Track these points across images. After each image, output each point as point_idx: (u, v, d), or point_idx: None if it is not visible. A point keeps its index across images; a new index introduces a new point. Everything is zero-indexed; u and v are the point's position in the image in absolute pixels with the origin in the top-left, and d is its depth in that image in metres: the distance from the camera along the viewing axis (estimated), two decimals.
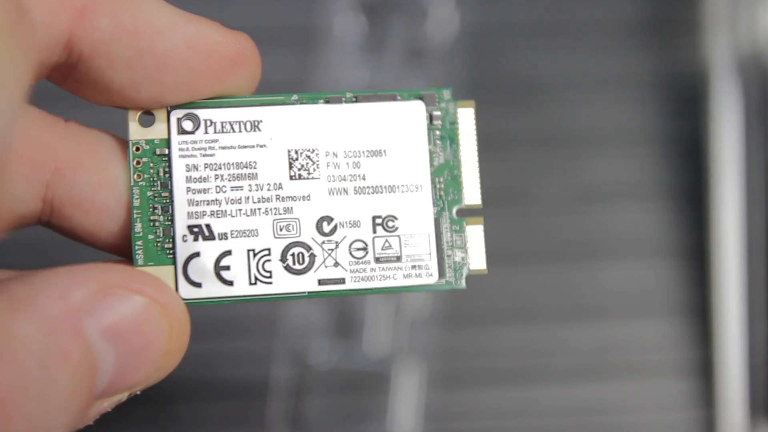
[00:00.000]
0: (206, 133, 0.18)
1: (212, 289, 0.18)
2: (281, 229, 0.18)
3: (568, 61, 0.38)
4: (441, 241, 0.19)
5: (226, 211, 0.18)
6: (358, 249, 0.18)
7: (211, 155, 0.18)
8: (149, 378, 0.17)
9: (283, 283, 0.18)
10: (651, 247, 0.36)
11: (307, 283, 0.18)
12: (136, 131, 0.18)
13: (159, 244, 0.18)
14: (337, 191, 0.19)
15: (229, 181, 0.18)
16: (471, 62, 0.37)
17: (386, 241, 0.18)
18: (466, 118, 0.20)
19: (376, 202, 0.19)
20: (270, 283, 0.18)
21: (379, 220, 0.18)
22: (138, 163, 0.18)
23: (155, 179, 0.18)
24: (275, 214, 0.18)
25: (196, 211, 0.18)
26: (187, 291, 0.18)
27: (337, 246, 0.18)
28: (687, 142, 0.37)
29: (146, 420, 0.34)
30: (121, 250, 0.18)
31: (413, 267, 0.18)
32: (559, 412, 0.35)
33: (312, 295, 0.18)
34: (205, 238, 0.18)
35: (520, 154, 0.37)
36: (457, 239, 0.19)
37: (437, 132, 0.19)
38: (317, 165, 0.19)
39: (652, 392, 0.35)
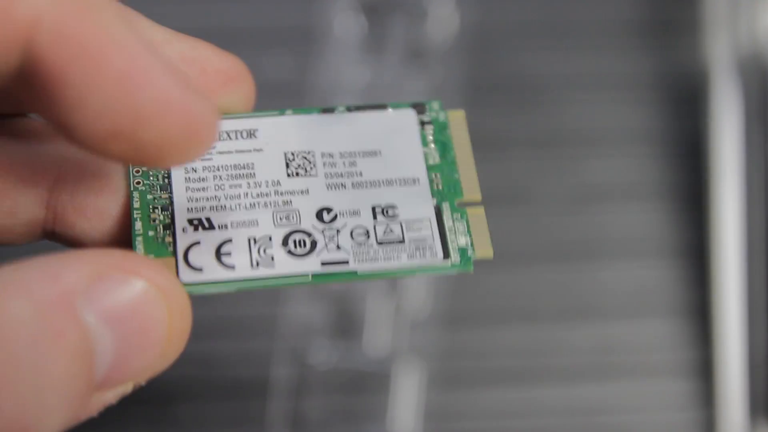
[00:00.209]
0: None
1: (213, 273, 0.17)
2: (281, 219, 0.18)
3: (568, 61, 0.38)
4: (443, 226, 0.19)
5: (225, 205, 0.18)
6: (360, 234, 0.18)
7: (209, 159, 0.19)
8: (153, 365, 0.16)
9: (286, 266, 0.18)
10: (651, 247, 0.36)
11: (310, 265, 0.18)
12: None
13: (159, 239, 0.18)
14: (334, 186, 0.19)
15: (227, 180, 0.18)
16: (471, 62, 0.37)
17: (387, 226, 0.18)
18: (458, 121, 0.20)
19: (374, 193, 0.19)
20: (272, 266, 0.18)
21: (378, 209, 0.19)
22: (138, 171, 0.18)
23: (155, 184, 0.18)
24: (274, 206, 0.18)
25: (196, 207, 0.18)
26: (187, 275, 0.17)
27: (338, 232, 0.18)
28: (687, 142, 0.37)
29: (146, 420, 0.34)
30: None
31: (417, 248, 0.18)
32: (559, 412, 0.35)
33: (316, 278, 0.18)
34: (205, 229, 0.18)
35: (520, 154, 0.37)
36: (460, 226, 0.19)
37: (430, 136, 0.20)
38: (314, 164, 0.19)
39: (652, 392, 0.35)
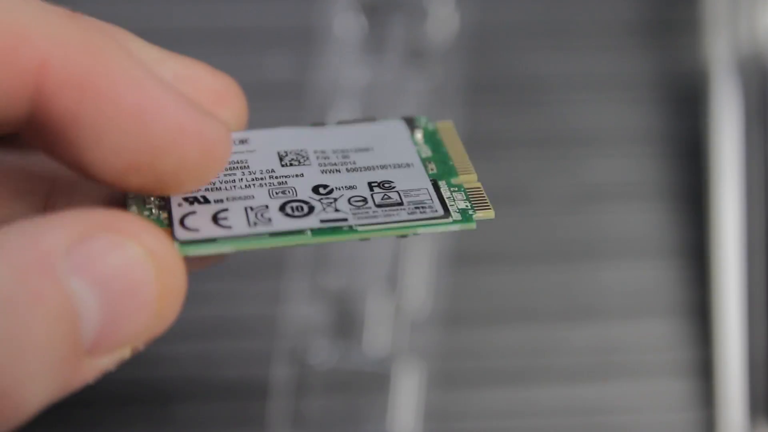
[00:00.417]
0: None
1: (209, 232, 0.17)
2: (277, 194, 0.18)
3: (568, 61, 0.38)
4: (441, 194, 0.19)
5: (220, 188, 0.18)
6: (358, 201, 0.18)
7: None
8: (147, 328, 0.16)
9: (284, 224, 0.17)
10: (651, 247, 0.36)
11: (308, 223, 0.17)
12: None
13: (154, 216, 0.18)
14: (329, 171, 0.19)
15: (221, 172, 0.18)
16: (471, 62, 0.37)
17: (385, 194, 0.18)
18: (447, 129, 0.20)
19: (369, 174, 0.19)
20: (270, 224, 0.17)
21: (375, 184, 0.19)
22: None
23: None
24: (269, 185, 0.18)
25: (191, 192, 0.18)
26: (182, 234, 0.17)
27: (335, 200, 0.18)
28: (687, 142, 0.37)
29: (145, 420, 0.34)
30: None
31: (416, 208, 0.18)
32: (559, 412, 0.35)
33: (315, 234, 0.17)
34: (201, 203, 0.18)
35: (520, 154, 0.37)
36: (458, 195, 0.19)
37: (419, 137, 0.20)
38: (307, 158, 0.19)
39: (652, 392, 0.35)
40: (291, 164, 0.19)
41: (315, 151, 0.19)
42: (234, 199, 0.18)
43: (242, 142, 0.20)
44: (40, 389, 0.14)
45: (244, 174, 0.18)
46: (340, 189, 0.18)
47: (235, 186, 0.18)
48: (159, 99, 0.15)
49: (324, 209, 0.18)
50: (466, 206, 0.19)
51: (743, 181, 0.35)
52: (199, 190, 0.18)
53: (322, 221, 0.18)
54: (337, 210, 0.18)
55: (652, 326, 0.36)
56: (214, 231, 0.17)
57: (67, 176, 0.18)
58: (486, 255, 0.36)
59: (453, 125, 0.20)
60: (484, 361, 0.35)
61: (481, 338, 0.35)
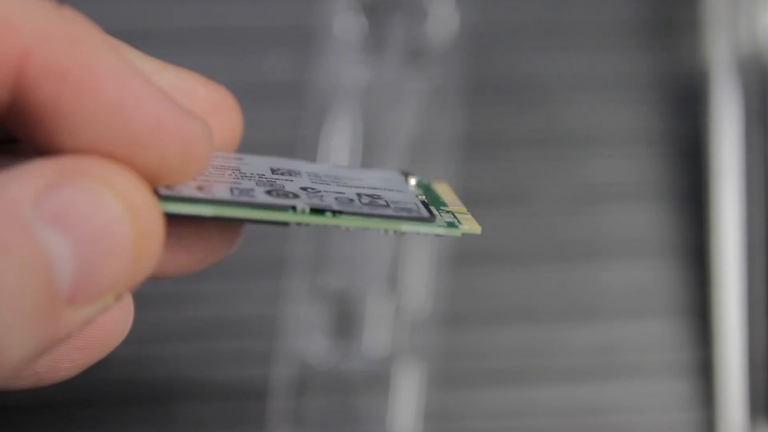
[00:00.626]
0: None
1: (191, 193, 0.17)
2: (264, 184, 0.18)
3: (568, 61, 0.38)
4: (429, 207, 0.19)
5: (209, 179, 0.18)
6: (344, 200, 0.18)
7: None
8: (128, 273, 0.15)
9: (267, 200, 0.17)
10: (651, 247, 0.36)
11: (292, 202, 0.17)
12: None
13: None
14: (320, 182, 0.19)
15: (212, 170, 0.18)
16: (471, 62, 0.37)
17: (372, 200, 0.18)
18: (442, 186, 0.20)
19: (358, 189, 0.19)
20: (252, 197, 0.17)
21: (362, 194, 0.19)
22: None
23: None
24: (258, 180, 0.18)
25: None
26: (163, 190, 0.16)
27: (322, 196, 0.18)
28: (687, 142, 0.37)
29: (145, 420, 0.34)
30: None
31: (402, 209, 0.18)
32: (559, 412, 0.35)
33: (298, 213, 0.17)
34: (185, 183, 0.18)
35: (520, 154, 0.37)
36: (446, 215, 0.19)
37: (413, 184, 0.20)
38: (299, 173, 0.19)
39: (652, 392, 0.35)
40: (282, 174, 0.19)
41: (307, 172, 0.19)
42: (221, 182, 0.18)
43: (236, 159, 0.20)
44: (19, 342, 0.14)
45: (233, 172, 0.18)
46: (328, 192, 0.18)
47: (223, 176, 0.18)
48: (139, 93, 0.15)
49: (309, 199, 0.18)
50: (453, 220, 0.19)
51: (743, 181, 0.35)
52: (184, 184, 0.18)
53: (306, 204, 0.17)
54: (322, 200, 0.18)
55: (652, 326, 0.36)
56: (195, 194, 0.17)
57: None
58: (486, 255, 0.36)
59: (447, 185, 0.20)
60: (483, 361, 0.35)
61: (481, 338, 0.35)
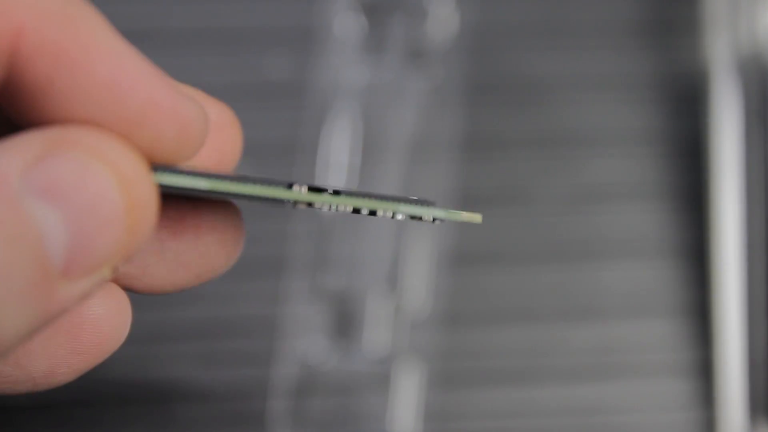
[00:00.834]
0: None
1: (186, 167, 0.16)
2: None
3: (568, 61, 0.38)
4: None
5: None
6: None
7: None
8: (120, 244, 0.15)
9: (263, 177, 0.17)
10: (651, 247, 0.36)
11: (289, 180, 0.17)
12: None
13: None
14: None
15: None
16: (471, 62, 0.37)
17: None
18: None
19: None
20: (248, 178, 0.17)
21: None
22: None
23: None
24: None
25: None
26: (156, 165, 0.16)
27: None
28: (687, 142, 0.37)
29: (144, 420, 0.34)
30: None
31: (402, 196, 0.18)
32: (559, 412, 0.35)
33: (296, 192, 0.17)
34: None
35: (520, 154, 0.37)
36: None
37: None
38: None
39: (652, 392, 0.35)
40: None
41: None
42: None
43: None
44: (13, 317, 0.14)
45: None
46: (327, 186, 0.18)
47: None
48: (134, 72, 0.15)
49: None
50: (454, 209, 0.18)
51: (743, 181, 0.35)
52: None
53: (304, 183, 0.17)
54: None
55: (652, 326, 0.36)
56: (191, 169, 0.16)
57: None
58: (486, 255, 0.36)
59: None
60: (483, 361, 0.35)
61: (481, 338, 0.35)
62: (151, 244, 0.18)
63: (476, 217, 0.18)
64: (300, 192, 0.17)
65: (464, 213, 0.18)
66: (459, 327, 0.35)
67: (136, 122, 0.15)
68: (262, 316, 0.35)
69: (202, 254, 0.19)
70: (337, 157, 0.36)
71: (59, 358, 0.17)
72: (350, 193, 0.17)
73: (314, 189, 0.17)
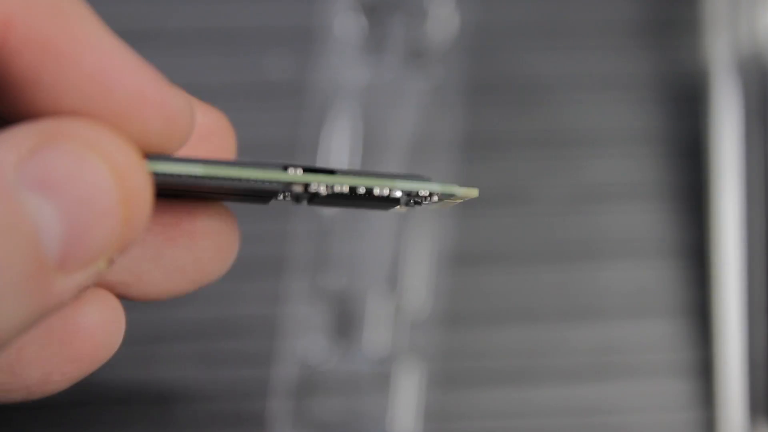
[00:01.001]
0: None
1: (180, 154, 0.16)
2: None
3: (568, 61, 0.38)
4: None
5: None
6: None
7: None
8: (116, 236, 0.15)
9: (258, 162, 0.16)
10: (651, 247, 0.36)
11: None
12: None
13: None
14: None
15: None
16: (471, 62, 0.37)
17: None
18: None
19: None
20: (241, 160, 0.16)
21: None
22: None
23: None
24: None
25: None
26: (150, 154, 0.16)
27: None
28: (687, 142, 0.37)
29: (144, 420, 0.34)
30: None
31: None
32: (559, 412, 0.35)
33: (291, 174, 0.16)
34: None
35: (520, 154, 0.37)
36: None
37: None
38: None
39: (652, 392, 0.35)
40: None
41: None
42: None
43: None
44: (9, 310, 0.14)
45: None
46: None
47: None
48: (121, 65, 0.15)
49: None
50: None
51: (743, 181, 0.35)
52: None
53: (305, 169, 0.17)
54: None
55: (652, 326, 0.36)
56: (185, 156, 0.16)
57: None
58: (486, 255, 0.36)
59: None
60: (483, 361, 0.35)
61: (481, 338, 0.35)
62: (146, 251, 0.18)
63: (473, 192, 0.18)
64: (295, 173, 0.17)
65: (460, 187, 0.18)
66: (459, 327, 0.35)
67: (123, 114, 0.15)
68: (262, 316, 0.35)
69: (197, 260, 0.19)
70: (337, 157, 0.36)
71: (53, 366, 0.17)
72: (345, 172, 0.17)
73: (309, 170, 0.17)
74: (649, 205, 0.37)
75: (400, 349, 0.35)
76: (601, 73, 0.38)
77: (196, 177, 0.16)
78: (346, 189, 0.17)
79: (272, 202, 0.18)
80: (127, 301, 0.19)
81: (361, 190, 0.17)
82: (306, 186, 0.17)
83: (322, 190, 0.17)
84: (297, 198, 0.17)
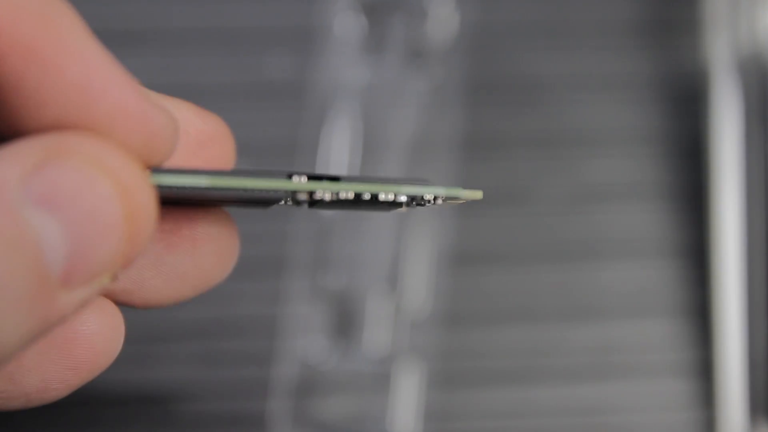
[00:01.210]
0: None
1: (184, 166, 0.16)
2: None
3: (568, 61, 0.38)
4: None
5: None
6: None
7: None
8: (120, 252, 0.15)
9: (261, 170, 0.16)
10: (651, 247, 0.36)
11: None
12: None
13: None
14: None
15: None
16: (471, 62, 0.37)
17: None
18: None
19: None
20: (245, 169, 0.16)
21: None
22: None
23: None
24: None
25: None
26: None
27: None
28: (687, 142, 0.37)
29: (145, 420, 0.34)
30: None
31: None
32: (559, 412, 0.35)
33: (296, 183, 0.16)
34: None
35: (520, 154, 0.37)
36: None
37: None
38: None
39: (652, 392, 0.35)
40: None
41: None
42: None
43: None
44: (12, 326, 0.14)
45: None
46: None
47: None
48: (106, 77, 0.15)
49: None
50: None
51: (743, 181, 0.35)
52: None
53: (310, 177, 0.17)
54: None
55: (652, 326, 0.36)
56: (190, 167, 0.16)
57: None
58: (486, 255, 0.36)
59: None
60: (483, 361, 0.35)
61: (481, 338, 0.35)
62: (147, 258, 0.18)
63: (477, 194, 0.18)
64: (300, 181, 0.17)
65: (465, 190, 0.18)
66: (459, 327, 0.35)
67: (104, 126, 0.15)
68: (262, 316, 0.35)
69: (198, 265, 0.19)
70: (337, 157, 0.36)
71: (53, 373, 0.17)
72: (350, 179, 0.17)
73: (314, 177, 0.17)
74: (649, 205, 0.37)
75: (400, 349, 0.35)
76: (601, 73, 0.38)
77: (201, 189, 0.16)
78: (351, 195, 0.17)
79: (273, 206, 0.18)
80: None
81: (366, 197, 0.17)
82: (311, 194, 0.17)
83: (327, 197, 0.17)
84: (299, 203, 0.17)
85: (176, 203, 0.18)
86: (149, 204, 0.15)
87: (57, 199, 0.14)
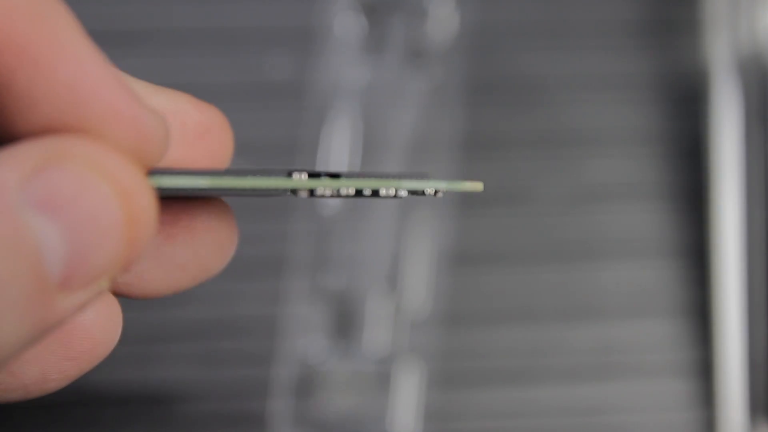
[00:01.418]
0: None
1: (184, 167, 0.16)
2: None
3: (568, 61, 0.38)
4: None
5: None
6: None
7: None
8: (119, 256, 0.15)
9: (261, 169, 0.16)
10: (651, 247, 0.36)
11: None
12: None
13: None
14: None
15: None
16: (471, 62, 0.37)
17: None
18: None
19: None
20: (245, 169, 0.16)
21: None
22: None
23: None
24: None
25: None
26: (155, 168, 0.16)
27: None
28: (687, 142, 0.37)
29: (144, 420, 0.34)
30: None
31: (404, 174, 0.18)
32: (559, 412, 0.35)
33: (296, 180, 0.16)
34: None
35: (520, 154, 0.37)
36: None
37: None
38: None
39: (652, 392, 0.35)
40: None
41: None
42: None
43: None
44: (10, 329, 0.14)
45: None
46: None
47: None
48: (97, 78, 0.15)
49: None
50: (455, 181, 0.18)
51: (743, 181, 0.35)
52: None
53: (311, 174, 0.17)
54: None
55: (652, 326, 0.36)
56: (189, 169, 0.16)
57: None
58: (486, 255, 0.36)
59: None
60: (483, 361, 0.35)
61: (481, 338, 0.35)
62: (146, 249, 0.18)
63: (478, 186, 0.18)
64: (300, 179, 0.17)
65: (466, 183, 0.18)
66: (459, 327, 0.35)
67: (94, 127, 0.15)
68: (262, 316, 0.35)
69: (197, 255, 0.19)
70: (337, 157, 0.36)
71: (51, 364, 0.17)
72: (350, 175, 0.17)
73: (314, 174, 0.17)
74: (649, 205, 0.37)
75: (400, 349, 0.35)
76: (601, 73, 0.38)
77: (201, 190, 0.16)
78: (351, 191, 0.17)
79: (273, 196, 0.18)
80: (127, 301, 0.19)
81: (367, 192, 0.17)
82: (311, 191, 0.17)
83: (328, 193, 0.17)
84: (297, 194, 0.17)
85: (174, 198, 0.18)
86: (149, 207, 0.15)
87: (56, 202, 0.14)
